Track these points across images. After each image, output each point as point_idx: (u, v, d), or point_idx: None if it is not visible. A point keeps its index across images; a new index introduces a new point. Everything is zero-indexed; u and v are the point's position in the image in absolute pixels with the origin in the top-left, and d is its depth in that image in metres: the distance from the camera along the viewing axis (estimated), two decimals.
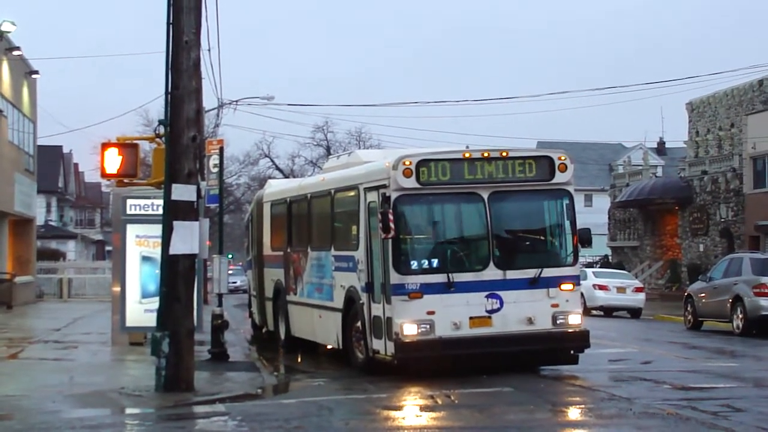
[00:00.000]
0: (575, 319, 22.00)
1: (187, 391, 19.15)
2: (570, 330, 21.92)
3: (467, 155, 21.96)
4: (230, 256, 65.69)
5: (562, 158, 22.23)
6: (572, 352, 22.27)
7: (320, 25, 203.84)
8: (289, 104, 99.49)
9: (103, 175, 23.08)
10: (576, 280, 22.36)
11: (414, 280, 21.27)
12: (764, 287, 33.69)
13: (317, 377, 23.42)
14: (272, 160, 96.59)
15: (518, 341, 21.68)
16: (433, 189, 21.71)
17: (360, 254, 22.80)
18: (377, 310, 21.96)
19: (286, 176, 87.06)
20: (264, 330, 31.88)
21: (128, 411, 17.77)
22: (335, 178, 25.56)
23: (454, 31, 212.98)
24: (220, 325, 25.85)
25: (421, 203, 21.91)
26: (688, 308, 38.10)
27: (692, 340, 33.18)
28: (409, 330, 21.02)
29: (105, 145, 22.55)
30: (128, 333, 28.11)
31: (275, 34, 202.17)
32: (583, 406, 18.34)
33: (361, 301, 22.70)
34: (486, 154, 21.99)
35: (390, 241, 21.09)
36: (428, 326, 21.12)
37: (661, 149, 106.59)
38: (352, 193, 23.79)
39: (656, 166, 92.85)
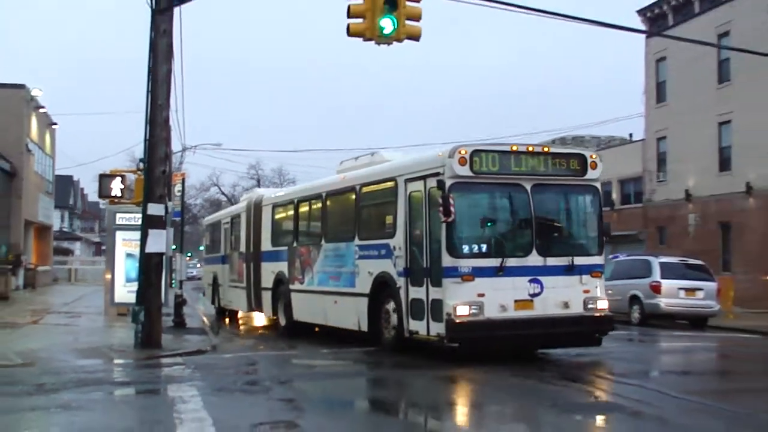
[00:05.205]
0: (603, 304, 17.99)
1: (157, 348, 18.78)
2: (598, 314, 17.93)
3: (515, 148, 17.65)
4: (188, 254, 64.75)
5: (593, 157, 18.51)
6: (597, 335, 18.28)
7: (253, 89, 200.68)
8: (232, 149, 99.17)
9: (100, 195, 22.76)
10: (602, 269, 18.54)
11: (467, 264, 16.49)
12: None
13: (249, 338, 22.91)
14: (220, 188, 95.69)
15: (556, 324, 17.40)
16: (484, 178, 17.05)
17: (397, 241, 17.89)
18: (417, 293, 17.18)
19: (229, 200, 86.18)
20: (228, 312, 30.21)
21: (115, 361, 17.28)
22: (362, 175, 20.45)
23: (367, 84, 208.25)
24: (180, 302, 25.60)
25: (474, 191, 17.33)
26: None
27: None
28: (462, 311, 16.39)
29: (102, 176, 22.28)
30: (116, 307, 27.76)
31: (224, 95, 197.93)
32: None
33: (397, 285, 17.72)
34: (530, 149, 17.64)
35: (444, 225, 16.41)
36: (478, 308, 16.60)
37: None
38: (386, 186, 18.95)
39: None
